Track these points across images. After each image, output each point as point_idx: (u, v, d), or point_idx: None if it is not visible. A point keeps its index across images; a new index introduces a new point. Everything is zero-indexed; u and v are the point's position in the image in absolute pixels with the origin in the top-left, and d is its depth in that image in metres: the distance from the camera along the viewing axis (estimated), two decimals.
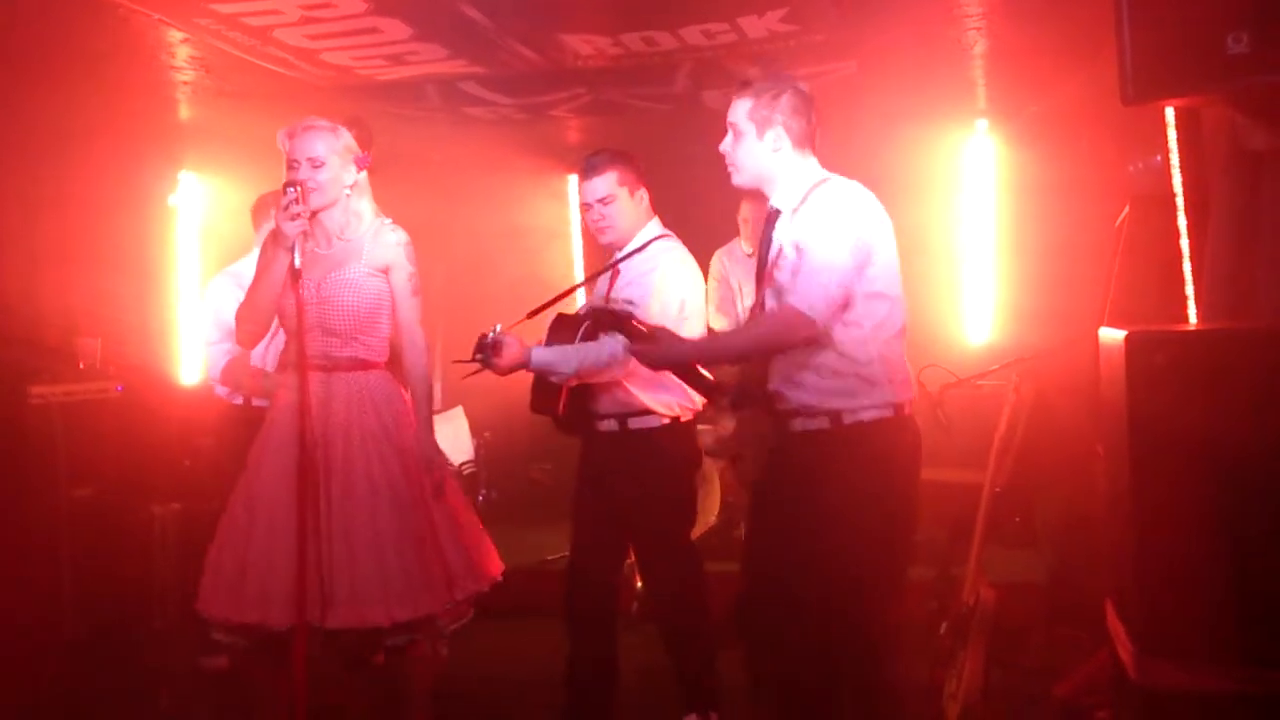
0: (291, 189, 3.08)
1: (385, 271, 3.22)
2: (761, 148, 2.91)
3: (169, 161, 5.86)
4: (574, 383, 3.47)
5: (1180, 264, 3.44)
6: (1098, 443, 3.62)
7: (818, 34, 4.36)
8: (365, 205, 3.27)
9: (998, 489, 3.85)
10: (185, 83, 4.90)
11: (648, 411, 3.59)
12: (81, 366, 5.05)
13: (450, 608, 3.24)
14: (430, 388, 3.29)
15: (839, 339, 2.83)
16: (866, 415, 2.86)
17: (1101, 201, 4.68)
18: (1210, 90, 2.47)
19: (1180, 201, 3.44)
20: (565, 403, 3.57)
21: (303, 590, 2.99)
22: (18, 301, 4.66)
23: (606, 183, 3.54)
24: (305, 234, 3.12)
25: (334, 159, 3.16)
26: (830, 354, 2.83)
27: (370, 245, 3.22)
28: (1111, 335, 2.50)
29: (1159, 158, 3.81)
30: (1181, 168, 3.38)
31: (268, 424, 3.25)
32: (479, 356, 3.30)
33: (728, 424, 2.99)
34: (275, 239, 3.14)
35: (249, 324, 3.31)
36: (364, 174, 3.26)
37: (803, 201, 2.90)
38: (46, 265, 5.09)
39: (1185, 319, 3.33)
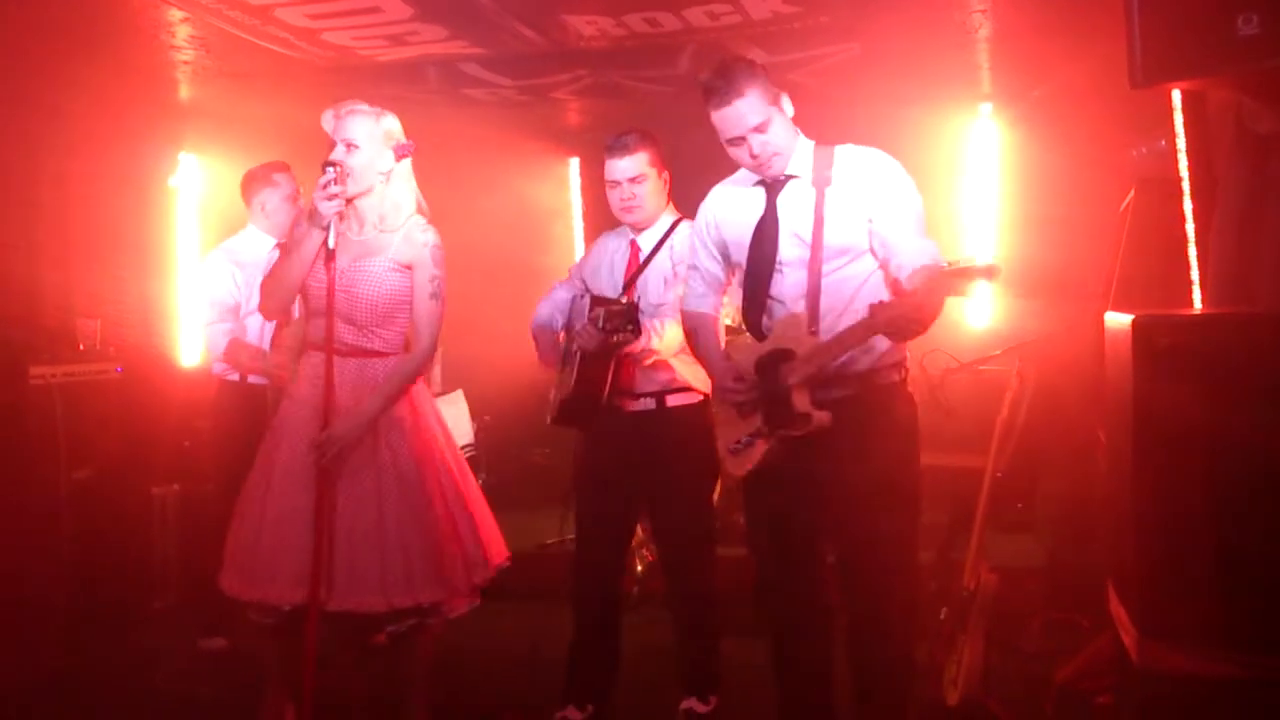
0: (331, 169, 3.06)
1: (409, 268, 3.18)
2: (787, 116, 2.90)
3: (169, 142, 5.83)
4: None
5: (1185, 248, 3.43)
6: (1099, 428, 3.62)
7: (821, 15, 4.33)
8: (406, 196, 3.23)
9: (999, 474, 3.84)
10: (185, 63, 4.87)
11: (686, 389, 3.58)
12: (81, 348, 5.04)
13: (457, 595, 3.25)
14: (408, 383, 3.22)
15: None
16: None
17: (1105, 186, 4.66)
18: (1220, 73, 2.44)
19: (1186, 185, 3.43)
20: (610, 389, 3.55)
21: (317, 569, 3.01)
22: (17, 282, 4.64)
23: (638, 162, 3.52)
24: (340, 215, 3.10)
25: (371, 144, 3.12)
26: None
27: (401, 240, 3.18)
28: (1117, 320, 2.49)
29: (1163, 142, 3.80)
30: (1187, 151, 3.37)
31: (286, 402, 3.24)
32: (629, 328, 3.27)
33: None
34: (310, 216, 3.11)
35: (274, 298, 3.30)
36: (406, 162, 3.21)
37: (829, 167, 2.89)
38: (46, 246, 5.08)
39: (1190, 304, 3.32)
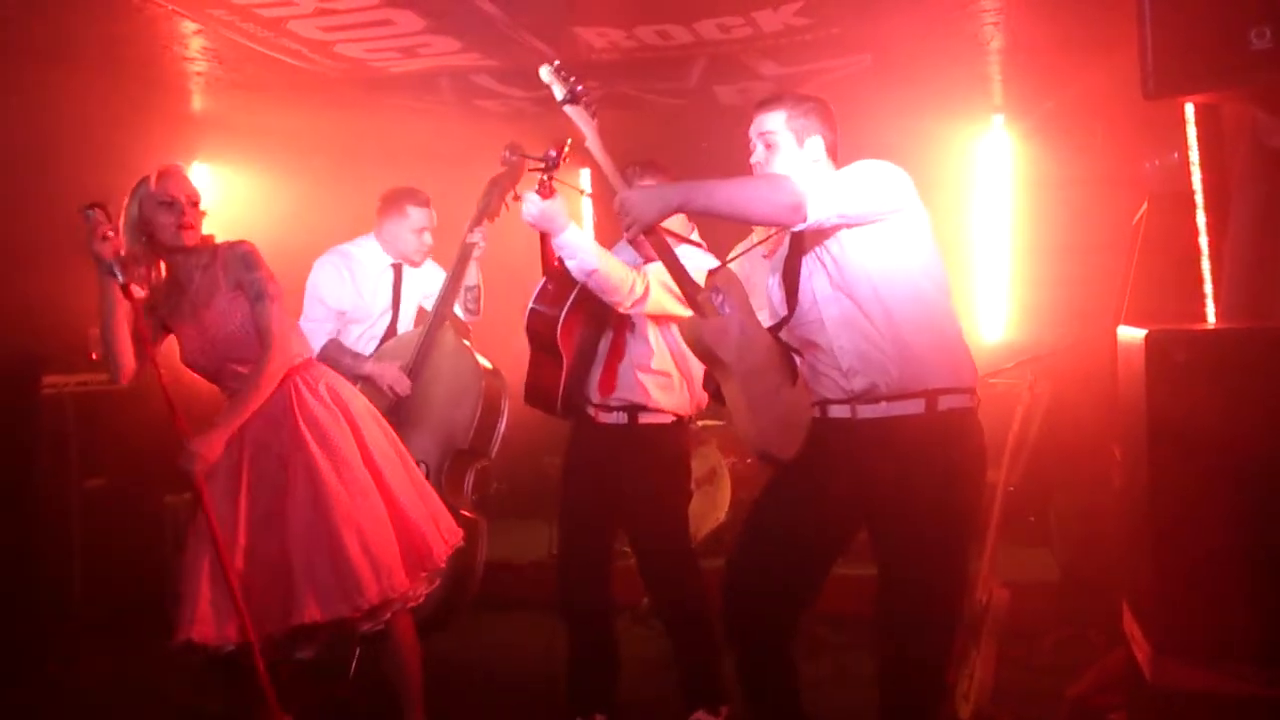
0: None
1: (239, 288, 3.21)
2: (802, 156, 2.86)
3: (182, 152, 5.85)
4: (586, 275, 3.40)
5: (1198, 262, 3.41)
6: (1113, 441, 3.60)
7: (833, 27, 4.33)
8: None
9: (1011, 487, 3.83)
10: (199, 74, 4.90)
11: (658, 409, 3.61)
12: (94, 357, 5.05)
13: (419, 582, 3.25)
14: (268, 384, 3.17)
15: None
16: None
17: (1118, 198, 4.64)
18: (1233, 86, 2.43)
19: (1199, 199, 3.42)
20: (564, 391, 3.58)
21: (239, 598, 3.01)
22: (31, 292, 4.66)
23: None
24: (117, 253, 3.07)
25: None
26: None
27: (219, 267, 3.23)
28: (1131, 334, 2.48)
29: (1176, 155, 3.78)
30: (1201, 165, 3.35)
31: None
32: (545, 163, 3.30)
33: (711, 316, 2.90)
34: (97, 262, 3.07)
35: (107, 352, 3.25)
36: None
37: None
38: (60, 255, 5.08)
39: (1203, 318, 3.31)
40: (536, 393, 3.68)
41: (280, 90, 5.07)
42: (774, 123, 2.86)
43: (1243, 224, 2.96)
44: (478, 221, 4.12)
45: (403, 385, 4.04)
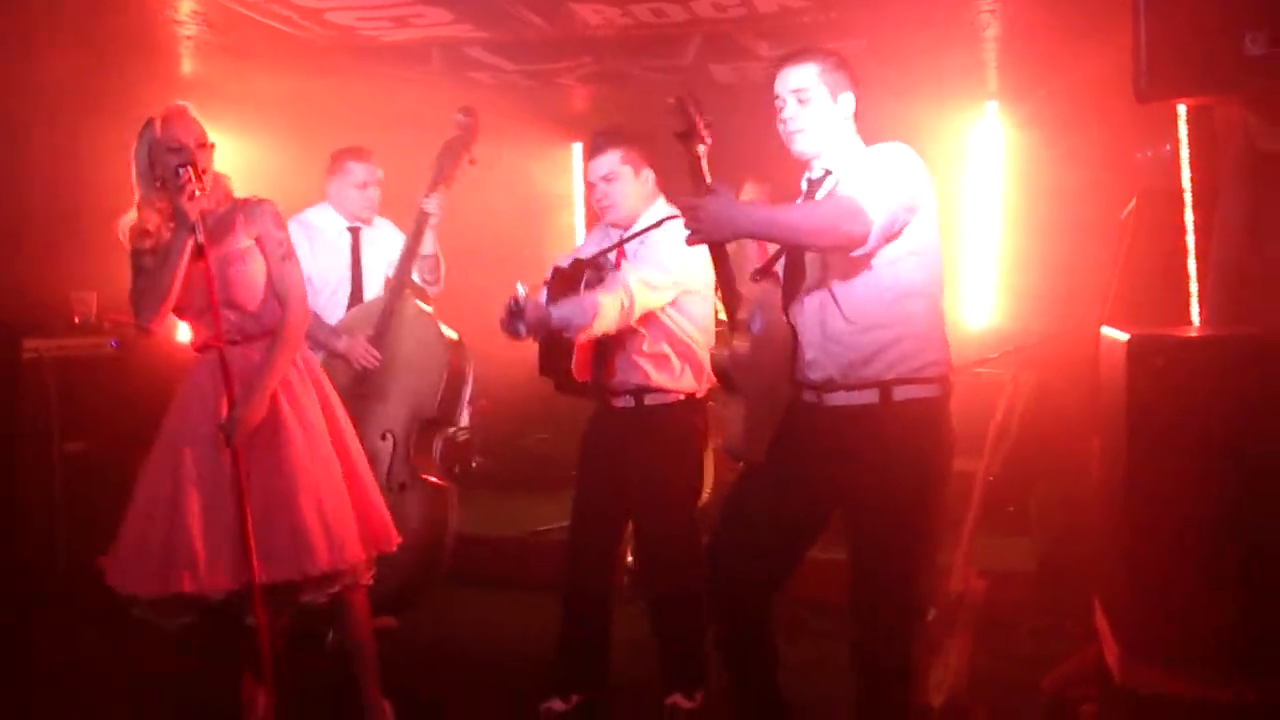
0: (183, 169, 3.06)
1: (258, 241, 3.23)
2: (836, 110, 2.85)
3: None
4: (587, 337, 3.35)
5: (1185, 260, 3.42)
6: (1094, 432, 3.61)
7: (830, 11, 4.31)
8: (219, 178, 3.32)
9: (991, 477, 3.84)
10: (188, 38, 4.85)
11: (661, 389, 3.59)
12: (76, 321, 5.03)
13: (370, 556, 3.28)
14: (294, 350, 3.23)
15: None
16: None
17: (1110, 188, 4.64)
18: (1226, 91, 2.43)
19: (1188, 197, 3.41)
20: (579, 365, 3.55)
21: (252, 551, 3.02)
22: (11, 255, 4.63)
23: (609, 161, 3.54)
24: (202, 212, 3.09)
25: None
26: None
27: (242, 217, 3.24)
28: (1113, 336, 2.48)
29: (1169, 147, 3.78)
30: (1191, 163, 3.35)
31: (182, 402, 3.23)
32: (514, 326, 3.18)
33: (742, 344, 2.83)
34: (178, 219, 3.09)
35: (151, 305, 3.18)
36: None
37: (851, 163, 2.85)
38: (43, 218, 5.06)
39: (1188, 317, 3.31)
40: (551, 368, 3.63)
41: (269, 56, 5.02)
42: (806, 77, 2.82)
43: (1229, 226, 2.96)
44: (433, 188, 4.11)
45: (372, 360, 4.04)
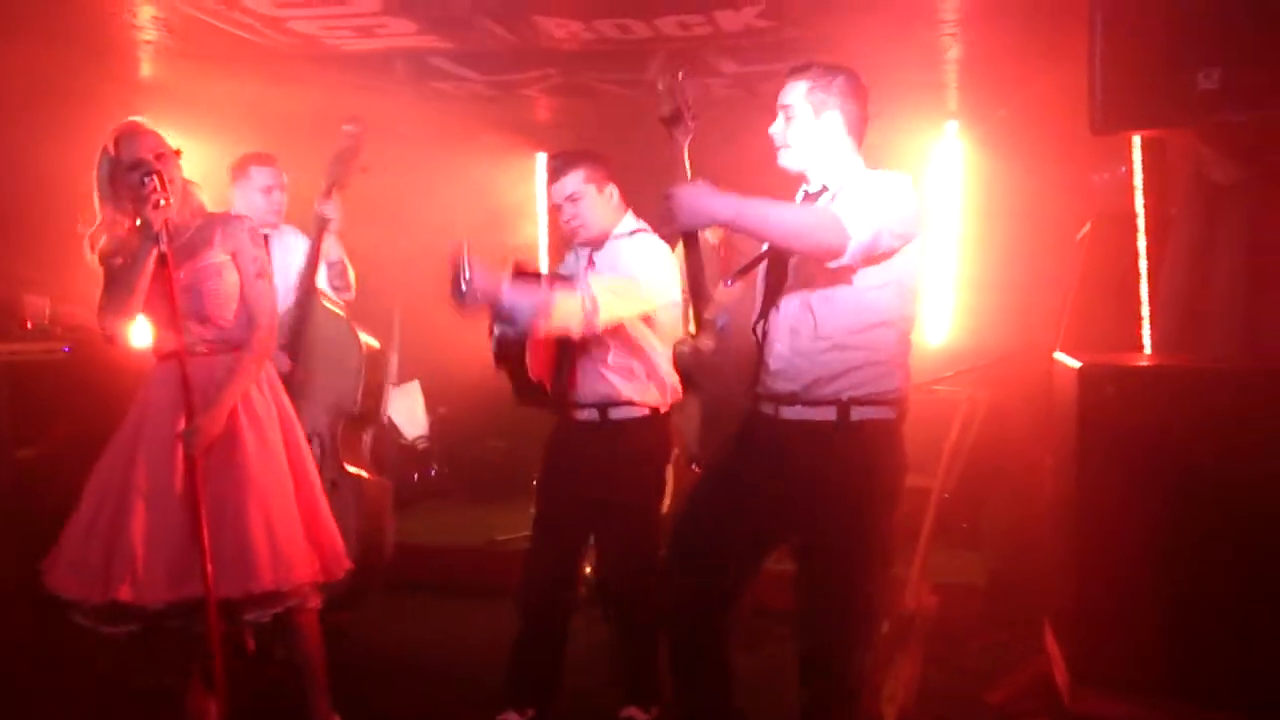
0: (148, 178, 3.03)
1: (233, 256, 3.23)
2: (819, 128, 2.86)
3: (127, 118, 5.72)
4: (545, 332, 3.30)
5: (1137, 284, 3.49)
6: (1046, 451, 3.67)
7: (793, 30, 4.35)
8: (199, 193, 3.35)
9: (946, 493, 3.88)
10: (147, 42, 4.78)
11: (629, 402, 3.58)
12: (29, 326, 4.96)
13: (325, 575, 3.27)
14: (259, 367, 3.25)
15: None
16: None
17: (1066, 208, 4.71)
18: (1179, 125, 2.49)
19: (1141, 223, 3.49)
20: (535, 363, 3.54)
21: (206, 561, 3.00)
22: None
23: (572, 181, 3.52)
24: (168, 220, 3.06)
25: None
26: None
27: (219, 232, 3.23)
28: (1065, 362, 2.53)
29: (1124, 169, 3.85)
30: (1145, 191, 3.42)
31: (140, 409, 3.21)
32: (456, 289, 3.08)
33: (708, 342, 2.82)
34: (142, 229, 3.09)
35: (118, 313, 3.17)
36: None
37: (849, 182, 2.86)
38: None
39: (1139, 341, 3.38)
40: (524, 392, 3.64)
41: (230, 62, 4.97)
42: (795, 94, 2.86)
43: (1180, 255, 3.02)
44: (328, 193, 4.11)
45: (283, 364, 4.01)
